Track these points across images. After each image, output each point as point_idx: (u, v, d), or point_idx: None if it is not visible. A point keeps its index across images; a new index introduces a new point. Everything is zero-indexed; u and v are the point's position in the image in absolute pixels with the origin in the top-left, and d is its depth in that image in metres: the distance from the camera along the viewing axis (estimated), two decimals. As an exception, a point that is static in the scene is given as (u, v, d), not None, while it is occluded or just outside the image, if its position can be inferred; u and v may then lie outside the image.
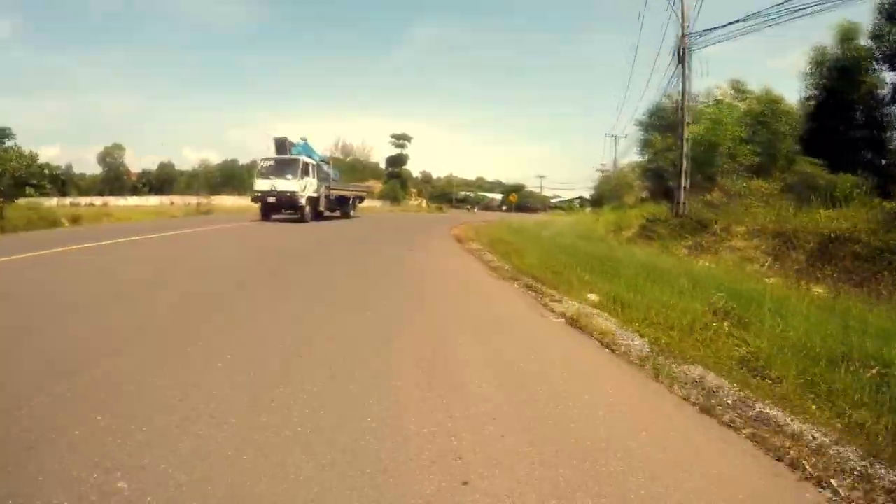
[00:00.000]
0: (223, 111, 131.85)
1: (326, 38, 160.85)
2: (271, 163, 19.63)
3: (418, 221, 28.46)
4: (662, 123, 23.45)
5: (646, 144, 25.82)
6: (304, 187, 18.94)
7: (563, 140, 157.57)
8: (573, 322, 4.72)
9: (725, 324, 5.61)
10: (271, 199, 18.85)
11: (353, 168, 63.35)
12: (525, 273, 8.09)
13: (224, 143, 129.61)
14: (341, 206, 24.52)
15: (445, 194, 74.87)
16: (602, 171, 55.36)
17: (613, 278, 8.14)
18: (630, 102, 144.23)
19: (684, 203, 14.34)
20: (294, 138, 21.42)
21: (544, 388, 3.12)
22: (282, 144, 20.46)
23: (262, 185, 19.20)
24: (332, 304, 5.37)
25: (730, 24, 13.60)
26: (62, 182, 53.38)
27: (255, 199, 19.73)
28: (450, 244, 13.70)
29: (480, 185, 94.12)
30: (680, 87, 14.88)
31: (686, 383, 3.43)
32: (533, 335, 4.56)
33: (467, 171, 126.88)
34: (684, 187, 14.37)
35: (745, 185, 15.82)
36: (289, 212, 19.56)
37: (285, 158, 19.65)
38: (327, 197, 21.63)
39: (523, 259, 10.29)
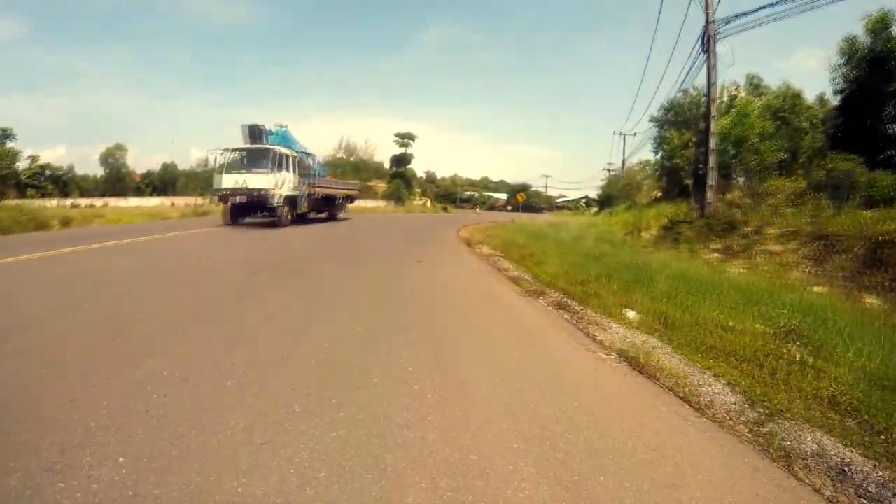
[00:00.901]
0: (231, 110, 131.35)
1: (333, 38, 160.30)
2: (239, 154, 15.96)
3: (422, 223, 27.24)
4: (679, 119, 22.46)
5: (661, 141, 24.83)
6: (279, 183, 15.51)
7: (569, 140, 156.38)
8: (631, 361, 3.77)
9: (794, 349, 4.74)
10: (239, 199, 15.36)
11: (356, 168, 62.55)
12: (550, 285, 7.17)
13: (231, 141, 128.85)
14: (328, 207, 21.78)
15: (450, 194, 73.97)
16: (610, 171, 54.45)
17: (647, 290, 7.27)
18: (640, 100, 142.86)
19: (710, 202, 13.34)
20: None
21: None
22: (254, 132, 17.04)
23: (227, 181, 15.47)
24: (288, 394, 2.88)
25: (759, 9, 12.62)
26: (64, 183, 52.95)
27: (220, 199, 16.22)
28: (458, 249, 12.77)
29: (485, 184, 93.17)
30: (699, 81, 13.86)
31: (805, 459, 2.50)
32: (589, 395, 3.17)
33: (472, 171, 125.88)
34: (711, 185, 13.37)
35: (771, 183, 14.79)
36: (264, 214, 16.31)
37: (257, 148, 15.97)
38: (311, 196, 18.47)
39: (543, 267, 9.36)
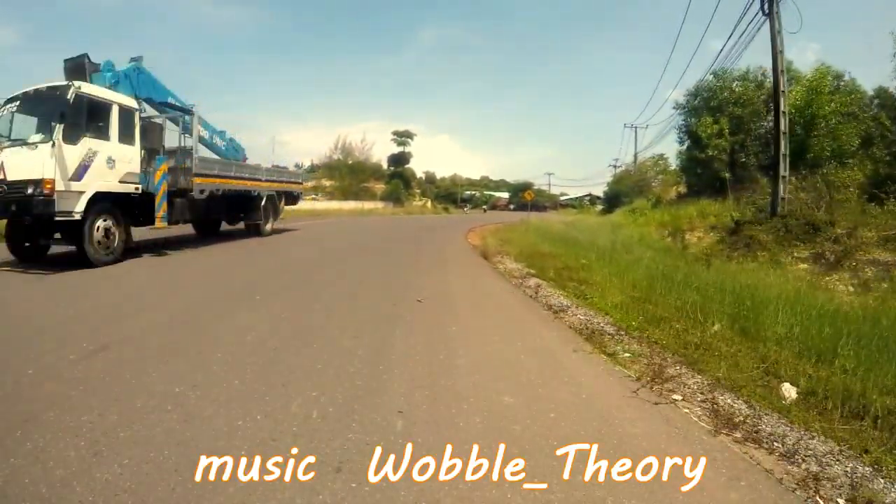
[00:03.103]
0: (232, 113, 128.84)
1: (331, 41, 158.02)
2: (9, 111, 8.04)
3: (422, 227, 24.24)
4: (712, 105, 19.86)
5: (688, 131, 22.19)
6: (71, 167, 7.53)
7: (569, 138, 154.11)
8: None
9: None
10: None
11: (353, 170, 59.87)
12: (631, 332, 4.54)
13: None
14: (245, 212, 13.34)
15: (450, 194, 71.33)
16: (616, 167, 51.86)
17: (788, 339, 4.77)
18: (652, 91, 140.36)
19: (783, 198, 10.73)
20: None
21: None
22: (75, 69, 8.81)
23: None
24: None
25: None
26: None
27: None
28: (471, 264, 10.12)
29: (486, 184, 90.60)
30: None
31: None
32: None
33: (471, 171, 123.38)
34: (784, 176, 10.76)
35: (846, 174, 12.15)
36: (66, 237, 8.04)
37: (35, 93, 8.02)
38: (187, 194, 10.25)
39: (596, 290, 6.74)
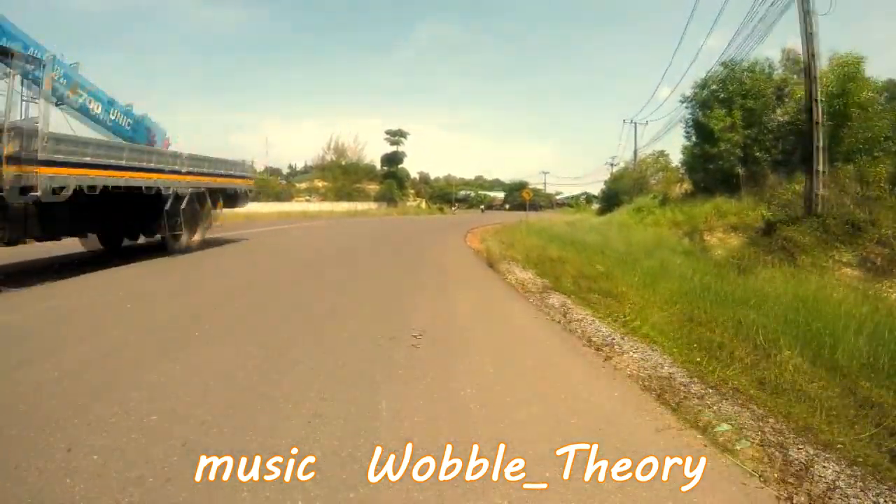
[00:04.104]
0: (225, 115, 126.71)
1: (325, 40, 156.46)
2: None
3: (416, 229, 23.14)
4: (725, 97, 18.85)
5: (696, 125, 21.16)
6: None
7: (562, 136, 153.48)
8: None
9: None
10: None
11: (346, 171, 58.59)
12: (707, 377, 3.44)
13: (225, 148, 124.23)
14: (146, 221, 9.44)
15: (445, 194, 70.17)
16: (613, 164, 50.91)
17: (867, 370, 3.79)
18: (651, 87, 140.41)
19: (819, 194, 9.71)
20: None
21: None
22: None
23: None
24: None
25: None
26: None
27: None
28: (476, 276, 9.02)
29: (480, 184, 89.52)
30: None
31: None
32: None
33: (465, 171, 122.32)
34: (819, 171, 9.73)
35: (878, 168, 11.13)
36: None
37: None
38: (40, 195, 6.47)
39: (618, 299, 5.66)
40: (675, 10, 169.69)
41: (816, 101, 9.95)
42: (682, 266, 8.43)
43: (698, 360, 3.78)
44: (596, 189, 67.58)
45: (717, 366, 3.73)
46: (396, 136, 57.37)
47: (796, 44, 12.97)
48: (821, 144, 9.86)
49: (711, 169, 19.96)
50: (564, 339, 4.50)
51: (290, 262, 9.61)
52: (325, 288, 6.87)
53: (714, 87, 19.90)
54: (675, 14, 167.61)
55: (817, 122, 9.89)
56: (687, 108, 21.87)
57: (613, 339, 4.23)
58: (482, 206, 63.94)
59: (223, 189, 11.27)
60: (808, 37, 10.11)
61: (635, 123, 38.97)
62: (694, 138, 21.65)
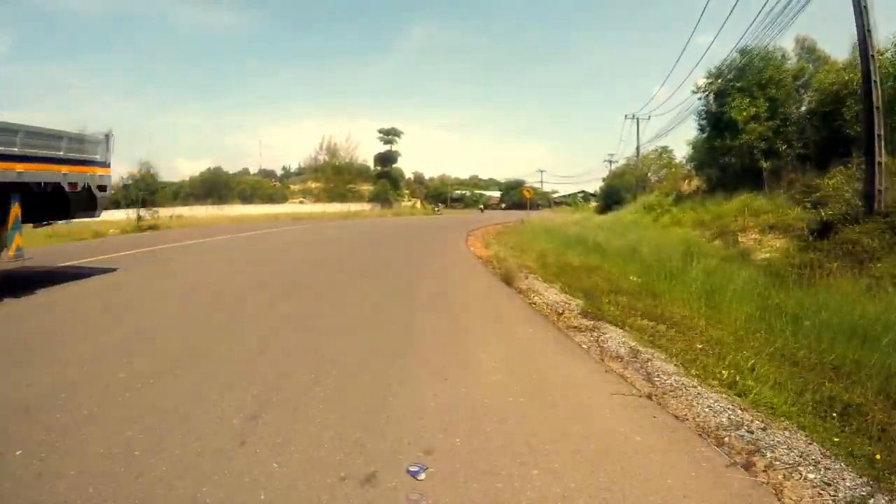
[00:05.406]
0: (220, 118, 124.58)
1: (318, 41, 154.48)
2: None
3: (411, 233, 21.60)
4: (744, 85, 17.58)
5: (710, 116, 19.90)
6: None
7: (558, 135, 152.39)
8: None
9: None
10: None
11: (339, 171, 57.04)
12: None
13: (221, 149, 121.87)
14: None
15: (440, 194, 68.74)
16: (612, 162, 49.63)
17: None
18: (658, 81, 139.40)
19: (881, 190, 8.41)
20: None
21: None
22: None
23: None
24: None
25: None
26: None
27: None
28: (489, 297, 7.63)
29: (475, 183, 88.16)
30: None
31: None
32: None
33: (460, 170, 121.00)
34: (881, 162, 8.44)
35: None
36: None
37: None
38: None
39: (677, 327, 4.30)
40: (669, 5, 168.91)
41: (875, 82, 8.65)
42: (733, 275, 7.09)
43: (877, 456, 2.42)
44: (592, 187, 66.42)
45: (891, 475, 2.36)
46: (390, 134, 55.88)
47: (809, 32, 11.68)
48: (881, 133, 8.56)
49: (728, 163, 18.73)
50: (684, 449, 2.54)
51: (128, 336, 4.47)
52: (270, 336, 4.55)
53: (729, 76, 18.69)
54: (669, 10, 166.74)
55: (878, 108, 8.59)
56: (700, 98, 20.66)
57: (742, 421, 2.76)
58: (481, 206, 62.39)
59: (25, 184, 5.99)
60: (861, 9, 8.81)
61: (637, 119, 37.73)
62: (709, 131, 20.41)
